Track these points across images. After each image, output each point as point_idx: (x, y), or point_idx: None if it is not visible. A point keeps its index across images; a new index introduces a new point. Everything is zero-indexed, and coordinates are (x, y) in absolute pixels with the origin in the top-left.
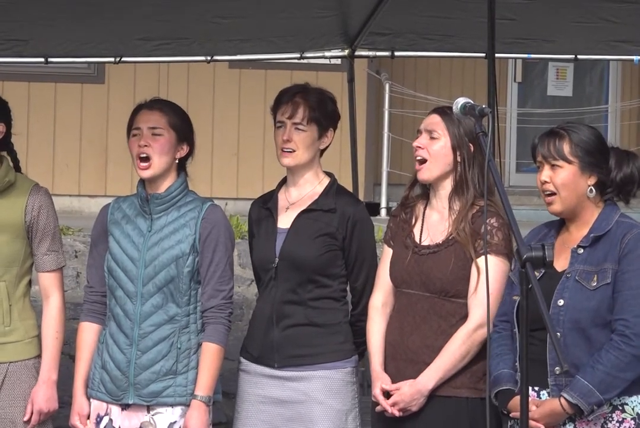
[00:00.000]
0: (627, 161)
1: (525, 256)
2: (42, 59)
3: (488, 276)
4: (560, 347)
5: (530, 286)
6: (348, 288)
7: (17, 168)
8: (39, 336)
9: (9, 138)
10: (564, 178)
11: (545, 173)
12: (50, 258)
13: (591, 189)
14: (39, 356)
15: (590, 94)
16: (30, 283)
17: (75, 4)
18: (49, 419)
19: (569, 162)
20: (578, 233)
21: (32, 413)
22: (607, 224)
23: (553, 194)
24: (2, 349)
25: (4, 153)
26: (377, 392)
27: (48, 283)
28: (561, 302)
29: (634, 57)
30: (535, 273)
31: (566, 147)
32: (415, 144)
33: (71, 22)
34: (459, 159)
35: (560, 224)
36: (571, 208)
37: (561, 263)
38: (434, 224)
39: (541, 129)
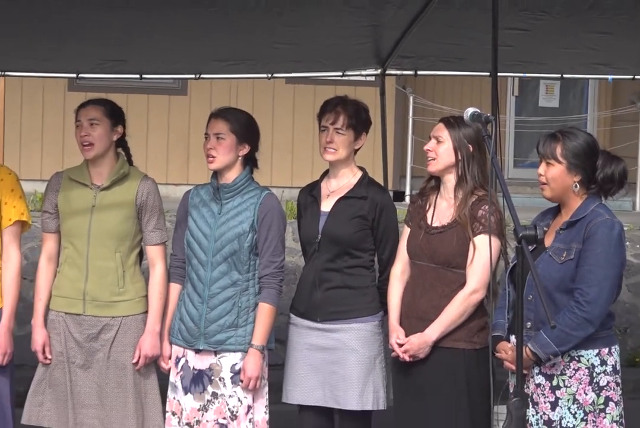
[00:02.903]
0: (610, 164)
1: (520, 234)
2: (137, 76)
3: (491, 251)
4: (530, 307)
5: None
6: (375, 259)
7: (130, 162)
8: (146, 296)
9: (124, 138)
10: (554, 173)
11: (541, 168)
12: (156, 234)
13: (576, 185)
14: (146, 312)
15: (573, 106)
16: (139, 254)
17: (165, 33)
18: (152, 363)
19: (559, 162)
20: (566, 217)
21: (139, 358)
22: (583, 212)
23: (545, 184)
24: (117, 306)
25: (120, 150)
26: (392, 341)
27: (154, 254)
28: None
29: (609, 77)
30: (530, 247)
31: (558, 150)
32: (425, 148)
33: (161, 45)
34: (459, 157)
35: (558, 209)
36: (558, 196)
37: (548, 240)
38: (443, 210)
39: (533, 133)
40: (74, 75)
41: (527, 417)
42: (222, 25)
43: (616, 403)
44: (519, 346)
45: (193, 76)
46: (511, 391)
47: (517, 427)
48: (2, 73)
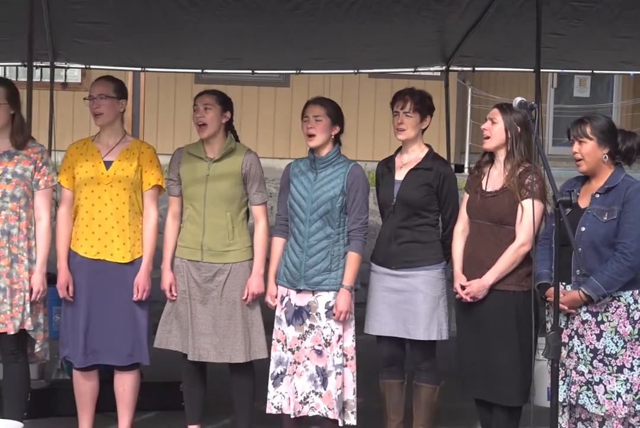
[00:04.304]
0: (629, 138)
1: (558, 199)
2: (250, 71)
3: (533, 212)
4: (579, 258)
5: (561, 219)
6: (439, 218)
7: (237, 139)
8: (251, 246)
9: (232, 122)
10: (587, 149)
11: (575, 147)
12: (258, 196)
13: (605, 156)
14: (252, 259)
15: (601, 96)
16: (247, 212)
17: (272, 37)
18: (257, 299)
19: (590, 138)
20: (596, 184)
21: (247, 295)
22: (617, 180)
23: (580, 159)
24: (228, 255)
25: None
26: (456, 285)
27: (257, 212)
28: (583, 229)
29: (631, 72)
30: (567, 209)
31: (588, 129)
32: (482, 127)
33: (269, 47)
34: (509, 136)
35: (585, 178)
36: (592, 169)
37: (583, 203)
38: (494, 178)
39: (569, 118)
40: (200, 70)
41: (572, 347)
42: (318, 31)
43: None
44: (556, 290)
45: (294, 71)
46: (549, 327)
47: (554, 354)
48: (143, 69)
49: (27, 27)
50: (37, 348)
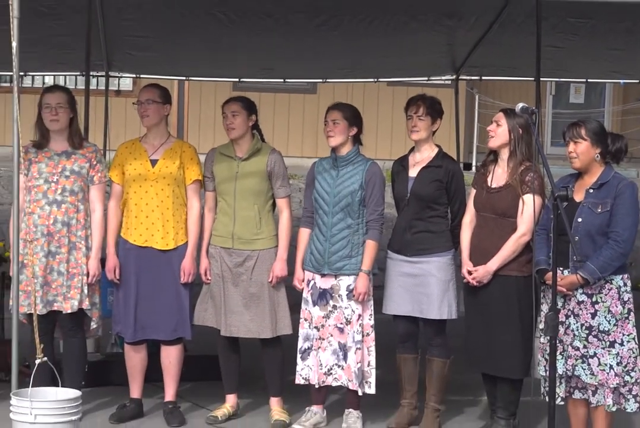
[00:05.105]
0: (618, 140)
1: (556, 194)
2: (281, 80)
3: (534, 206)
4: (576, 246)
5: (559, 212)
6: (449, 210)
7: (262, 140)
8: (277, 235)
9: (257, 123)
10: (582, 149)
11: (571, 147)
12: (282, 190)
13: (597, 156)
14: (277, 246)
15: (594, 102)
16: (273, 204)
17: (301, 50)
18: (282, 281)
19: (584, 139)
20: (589, 180)
21: (273, 278)
22: (608, 177)
23: (575, 158)
24: (255, 242)
25: (255, 132)
26: (464, 271)
27: (281, 204)
28: (580, 219)
29: (621, 81)
30: (563, 203)
31: (583, 131)
32: (488, 128)
33: (299, 58)
34: (512, 137)
35: (577, 175)
36: (585, 166)
37: (578, 197)
38: (498, 175)
39: (565, 122)
40: (237, 79)
41: (569, 325)
42: (342, 44)
43: (634, 313)
44: (554, 275)
45: (321, 80)
46: (546, 308)
47: (552, 332)
48: (187, 78)
49: (85, 41)
50: (93, 325)
